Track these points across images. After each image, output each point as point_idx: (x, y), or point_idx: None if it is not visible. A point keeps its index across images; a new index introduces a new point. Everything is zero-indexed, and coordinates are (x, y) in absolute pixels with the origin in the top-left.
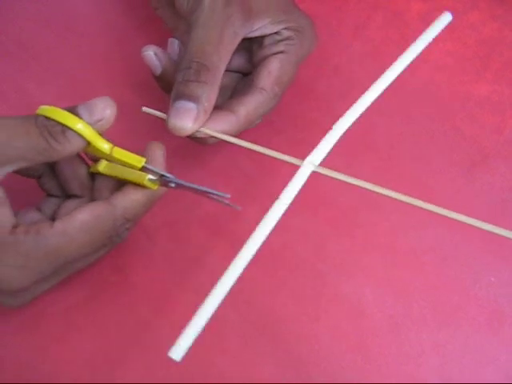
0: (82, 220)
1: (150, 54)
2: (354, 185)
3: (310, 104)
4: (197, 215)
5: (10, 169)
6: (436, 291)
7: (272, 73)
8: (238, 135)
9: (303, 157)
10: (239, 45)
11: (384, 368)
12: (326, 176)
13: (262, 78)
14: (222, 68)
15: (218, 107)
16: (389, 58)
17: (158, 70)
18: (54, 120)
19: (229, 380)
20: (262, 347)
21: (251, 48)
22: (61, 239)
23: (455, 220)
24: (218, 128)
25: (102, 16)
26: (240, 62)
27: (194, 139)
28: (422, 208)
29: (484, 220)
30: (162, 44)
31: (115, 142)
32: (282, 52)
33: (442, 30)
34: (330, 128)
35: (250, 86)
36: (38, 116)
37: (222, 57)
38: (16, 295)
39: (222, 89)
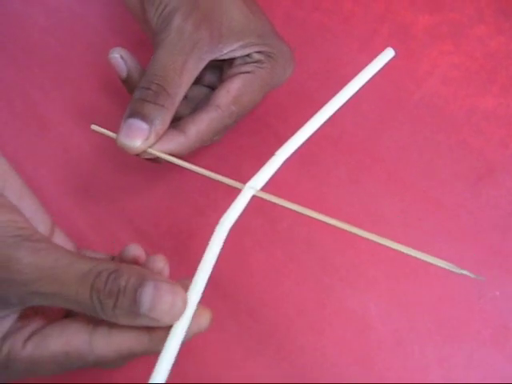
0: (52, 352)
1: (116, 56)
2: (294, 210)
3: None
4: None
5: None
6: (441, 305)
7: (231, 92)
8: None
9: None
10: (212, 62)
11: (388, 381)
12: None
13: (220, 95)
14: (182, 93)
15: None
16: (395, 71)
17: (124, 74)
18: (113, 288)
19: None
20: (266, 360)
21: (222, 66)
22: (27, 365)
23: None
24: (166, 148)
25: (110, 27)
26: (211, 78)
27: (146, 159)
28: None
29: (490, 235)
30: None
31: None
32: (248, 72)
33: (445, 43)
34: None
35: (206, 102)
36: (101, 275)
37: (183, 83)
38: None
39: (190, 100)
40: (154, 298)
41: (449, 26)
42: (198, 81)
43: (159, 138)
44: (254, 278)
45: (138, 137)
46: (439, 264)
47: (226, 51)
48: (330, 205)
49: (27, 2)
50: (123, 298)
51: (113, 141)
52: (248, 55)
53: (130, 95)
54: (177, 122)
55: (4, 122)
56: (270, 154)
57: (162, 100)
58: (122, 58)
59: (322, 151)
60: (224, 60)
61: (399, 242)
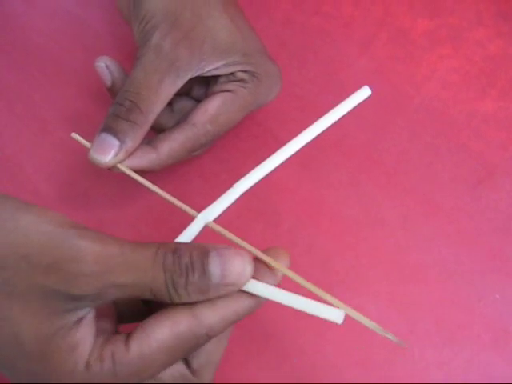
0: (161, 340)
1: (102, 65)
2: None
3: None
4: None
5: (115, 300)
6: (440, 308)
7: (208, 110)
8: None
9: None
10: (199, 77)
11: (388, 383)
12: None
13: (197, 114)
14: (156, 110)
15: (141, 142)
16: (394, 76)
17: (108, 82)
18: (181, 266)
19: None
20: (266, 362)
21: (209, 81)
22: (138, 364)
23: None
24: (137, 164)
25: (109, 30)
26: (199, 91)
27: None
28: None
29: (490, 238)
30: None
31: None
32: (229, 91)
33: (444, 47)
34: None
35: (184, 119)
36: (167, 255)
37: (158, 100)
38: None
39: (177, 112)
40: (223, 265)
41: (448, 29)
42: (185, 93)
43: (129, 154)
44: None
45: (107, 153)
46: (367, 324)
47: (207, 69)
48: (330, 207)
49: (27, 4)
50: (192, 274)
51: None
52: (232, 74)
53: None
54: (157, 135)
55: (4, 125)
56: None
57: (134, 117)
58: (107, 66)
59: (323, 154)
60: (209, 76)
61: (400, 244)
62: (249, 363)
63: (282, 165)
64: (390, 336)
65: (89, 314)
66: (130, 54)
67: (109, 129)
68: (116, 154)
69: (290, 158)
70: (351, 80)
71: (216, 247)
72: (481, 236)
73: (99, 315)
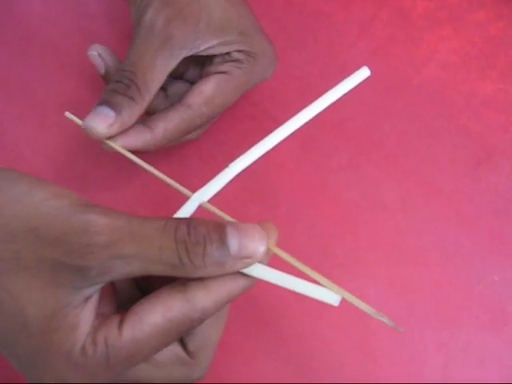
0: (154, 324)
1: (94, 54)
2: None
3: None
4: None
5: (121, 277)
6: (439, 290)
7: (204, 92)
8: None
9: None
10: (194, 57)
11: (386, 366)
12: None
13: (192, 95)
14: (154, 88)
15: (136, 122)
16: (394, 57)
17: (102, 70)
18: (197, 236)
19: (230, 376)
20: (264, 344)
21: (204, 62)
22: (131, 348)
23: None
24: (131, 144)
25: (108, 15)
26: (193, 73)
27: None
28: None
29: (489, 220)
30: None
31: None
32: (224, 73)
33: (444, 28)
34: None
35: (179, 101)
36: (180, 225)
37: (154, 78)
38: None
39: (171, 95)
40: (241, 238)
41: (448, 11)
42: (179, 76)
43: (124, 129)
44: None
45: (103, 122)
46: (362, 307)
47: (203, 48)
48: (329, 190)
49: None
50: (211, 244)
51: None
52: (227, 53)
53: None
54: (152, 116)
55: (3, 111)
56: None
57: (131, 93)
58: (99, 55)
59: (322, 136)
60: (204, 56)
61: (399, 227)
62: (245, 346)
63: (279, 146)
64: (385, 320)
65: (94, 296)
66: (128, 37)
67: (106, 102)
68: (111, 126)
69: (287, 137)
70: (350, 62)
71: (230, 222)
72: (480, 218)
73: (100, 299)
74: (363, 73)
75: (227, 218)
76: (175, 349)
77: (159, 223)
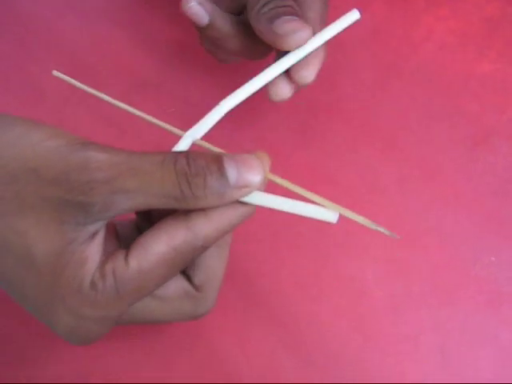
0: (158, 253)
1: (194, 4)
2: None
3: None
4: None
5: (124, 212)
6: (436, 271)
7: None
8: None
9: None
10: None
11: (384, 347)
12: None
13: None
14: None
15: None
16: (391, 37)
17: (205, 19)
18: (197, 168)
19: (228, 357)
20: (262, 325)
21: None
22: (139, 279)
23: None
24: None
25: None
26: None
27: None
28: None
29: (487, 201)
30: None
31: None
32: None
33: (442, 8)
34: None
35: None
36: (179, 158)
37: None
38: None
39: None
40: (239, 168)
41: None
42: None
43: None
44: (249, 246)
45: (296, 24)
46: (359, 221)
47: None
48: (327, 172)
49: None
50: (210, 175)
51: (110, 109)
52: None
53: (206, 51)
54: None
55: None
56: None
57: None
58: (200, 3)
59: (319, 119)
60: None
61: (397, 207)
62: (244, 327)
63: (275, 128)
64: (382, 229)
65: (99, 233)
66: (122, 19)
67: (284, 13)
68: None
69: (277, 76)
70: (348, 41)
71: (226, 154)
72: (478, 199)
73: (105, 240)
74: (353, 15)
75: (222, 152)
76: (182, 283)
77: (158, 157)
